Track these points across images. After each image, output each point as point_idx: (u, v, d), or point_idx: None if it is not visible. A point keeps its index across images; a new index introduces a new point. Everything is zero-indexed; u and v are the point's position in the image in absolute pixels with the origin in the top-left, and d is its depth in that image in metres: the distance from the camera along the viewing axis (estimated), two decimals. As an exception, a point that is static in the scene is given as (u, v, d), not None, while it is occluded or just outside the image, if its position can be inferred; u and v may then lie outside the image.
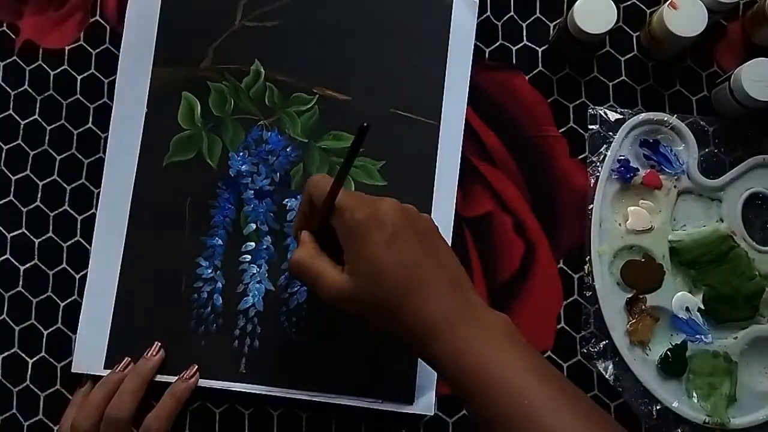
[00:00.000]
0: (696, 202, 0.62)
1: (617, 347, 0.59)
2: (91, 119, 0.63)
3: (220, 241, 0.61)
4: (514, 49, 0.64)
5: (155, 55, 0.62)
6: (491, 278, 0.61)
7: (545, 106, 0.63)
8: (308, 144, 0.62)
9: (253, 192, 0.61)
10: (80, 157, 0.63)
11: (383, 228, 0.46)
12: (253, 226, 0.61)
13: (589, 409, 0.44)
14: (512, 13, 0.65)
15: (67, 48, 0.64)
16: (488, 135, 0.63)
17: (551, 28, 0.64)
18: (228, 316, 0.60)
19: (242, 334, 0.60)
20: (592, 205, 0.61)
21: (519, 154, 0.63)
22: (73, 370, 0.59)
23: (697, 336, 0.60)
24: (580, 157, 0.63)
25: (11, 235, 0.62)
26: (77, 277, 0.61)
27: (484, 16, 0.64)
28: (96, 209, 0.61)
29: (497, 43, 0.64)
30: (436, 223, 0.50)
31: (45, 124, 0.63)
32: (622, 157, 0.62)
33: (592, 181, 0.62)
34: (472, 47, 0.63)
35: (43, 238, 0.62)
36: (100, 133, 0.63)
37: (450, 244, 0.60)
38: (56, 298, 0.61)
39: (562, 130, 0.63)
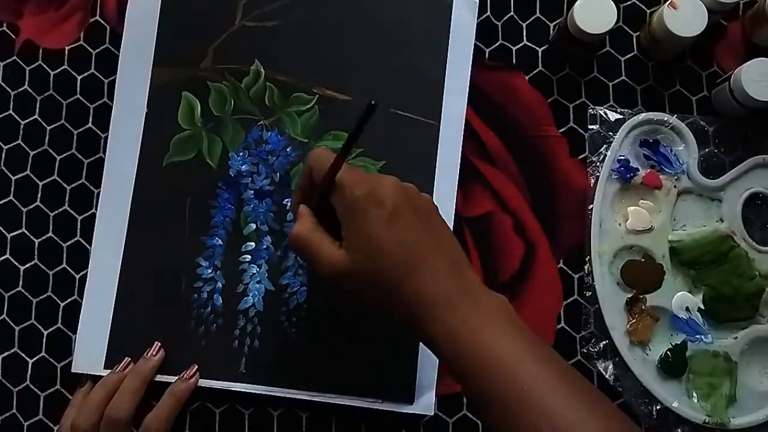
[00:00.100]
0: (696, 202, 0.62)
1: (617, 347, 0.59)
2: (91, 119, 0.63)
3: (220, 241, 0.61)
4: (514, 49, 0.64)
5: (155, 55, 0.62)
6: (491, 278, 0.61)
7: (545, 106, 0.63)
8: (308, 144, 0.62)
9: (253, 192, 0.61)
10: (80, 157, 0.63)
11: (383, 206, 0.46)
12: (253, 226, 0.61)
13: (589, 392, 0.44)
14: (512, 13, 0.65)
15: (67, 48, 0.64)
16: (488, 135, 0.63)
17: (551, 28, 0.64)
18: (228, 316, 0.60)
19: (242, 334, 0.60)
20: (592, 205, 0.61)
21: (519, 154, 0.63)
22: (73, 370, 0.59)
23: (697, 336, 0.60)
24: (580, 157, 0.63)
25: (11, 235, 0.62)
26: (77, 277, 0.61)
27: (484, 16, 0.64)
28: (96, 209, 0.61)
29: (497, 43, 0.64)
30: (435, 203, 0.50)
31: (45, 124, 0.63)
32: (622, 157, 0.62)
33: (592, 181, 0.62)
34: (472, 47, 0.63)
35: (43, 238, 0.62)
36: (100, 133, 0.63)
37: None
38: (56, 298, 0.61)
39: (562, 130, 0.63)
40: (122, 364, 0.58)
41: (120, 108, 0.62)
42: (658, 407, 0.59)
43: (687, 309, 0.60)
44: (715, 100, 0.63)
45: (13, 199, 0.62)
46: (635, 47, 0.64)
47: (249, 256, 0.60)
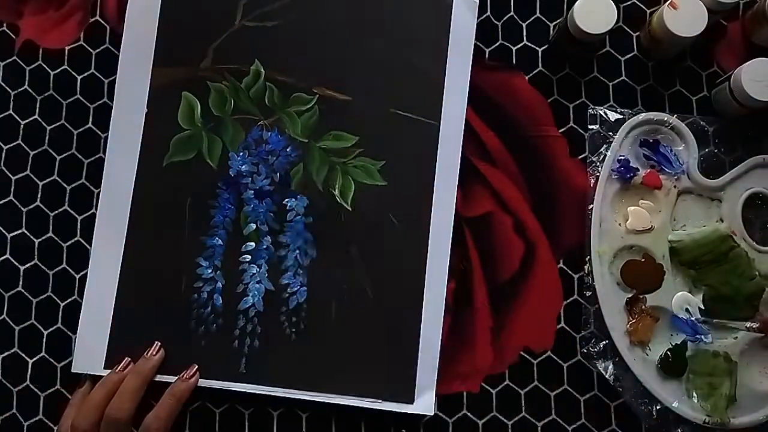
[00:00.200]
0: (696, 202, 0.62)
1: (617, 347, 0.59)
2: (91, 119, 0.63)
3: (220, 241, 0.61)
4: (514, 49, 0.64)
5: (155, 55, 0.62)
6: (491, 278, 0.61)
7: (545, 106, 0.63)
8: (308, 144, 0.62)
9: (253, 192, 0.61)
10: (80, 157, 0.63)
11: None
12: (253, 226, 0.61)
13: None
14: (512, 13, 0.65)
15: (67, 48, 0.64)
16: (488, 135, 0.63)
17: (551, 28, 0.64)
18: (228, 316, 0.60)
19: (242, 334, 0.60)
20: (592, 205, 0.61)
21: (519, 154, 0.63)
22: (73, 370, 0.59)
23: (697, 336, 0.60)
24: (580, 157, 0.63)
25: (11, 235, 0.62)
26: (77, 277, 0.61)
27: (484, 16, 0.64)
28: (96, 209, 0.61)
29: (497, 43, 0.64)
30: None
31: (45, 124, 0.63)
32: (622, 157, 0.62)
33: (592, 181, 0.62)
34: (472, 47, 0.63)
35: (43, 238, 0.62)
36: (100, 133, 0.63)
37: (450, 244, 0.60)
38: (56, 298, 0.61)
39: (562, 130, 0.63)
40: (122, 364, 0.58)
41: (120, 108, 0.62)
42: (658, 407, 0.59)
43: (687, 309, 0.60)
44: (715, 100, 0.63)
45: (13, 199, 0.62)
46: (635, 47, 0.64)
47: (249, 256, 0.60)
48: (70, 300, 0.61)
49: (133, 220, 0.61)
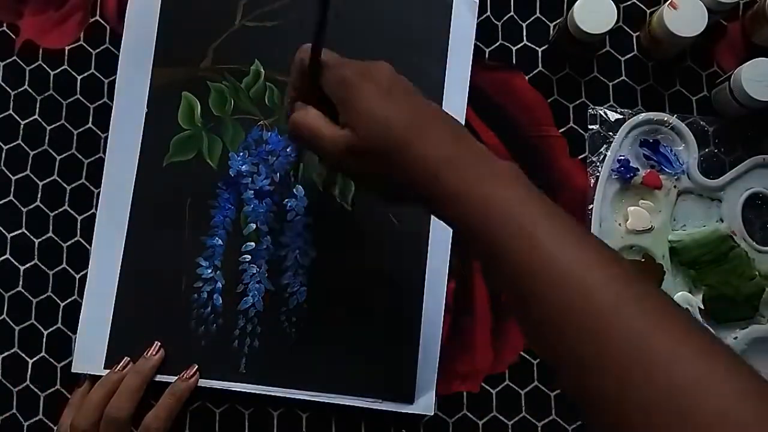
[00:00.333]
0: (696, 202, 0.62)
1: (617, 347, 0.59)
2: (91, 119, 0.63)
3: (220, 241, 0.61)
4: (514, 49, 0.64)
5: (155, 55, 0.62)
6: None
7: (545, 106, 0.63)
8: None
9: (253, 192, 0.61)
10: (80, 157, 0.63)
11: (376, 82, 0.46)
12: (253, 226, 0.61)
13: (604, 249, 0.41)
14: (512, 13, 0.65)
15: (67, 48, 0.64)
16: (488, 135, 0.63)
17: (551, 28, 0.64)
18: (228, 316, 0.60)
19: (242, 334, 0.60)
20: (592, 205, 0.61)
21: (519, 154, 0.63)
22: (73, 370, 0.59)
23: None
24: (580, 157, 0.63)
25: (11, 235, 0.62)
26: (77, 277, 0.61)
27: (484, 16, 0.64)
28: (96, 209, 0.61)
29: (497, 43, 0.64)
30: None
31: (45, 124, 0.63)
32: (622, 157, 0.62)
33: (592, 181, 0.62)
34: (472, 47, 0.63)
35: (43, 238, 0.62)
36: (100, 133, 0.63)
37: (450, 244, 0.60)
38: (56, 298, 0.61)
39: (562, 130, 0.63)
40: (122, 363, 0.58)
41: (120, 108, 0.62)
42: (658, 407, 0.59)
43: (687, 309, 0.60)
44: (715, 100, 0.63)
45: (13, 199, 0.62)
46: (635, 47, 0.64)
47: (249, 256, 0.60)
48: (70, 300, 0.61)
49: (133, 220, 0.61)
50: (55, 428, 0.59)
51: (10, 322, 0.61)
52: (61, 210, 0.62)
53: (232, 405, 0.60)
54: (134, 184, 0.61)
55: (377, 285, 0.60)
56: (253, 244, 0.61)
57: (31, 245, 0.62)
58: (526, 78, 0.64)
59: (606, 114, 0.63)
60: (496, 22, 0.64)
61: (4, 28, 0.64)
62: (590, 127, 0.63)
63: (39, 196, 0.62)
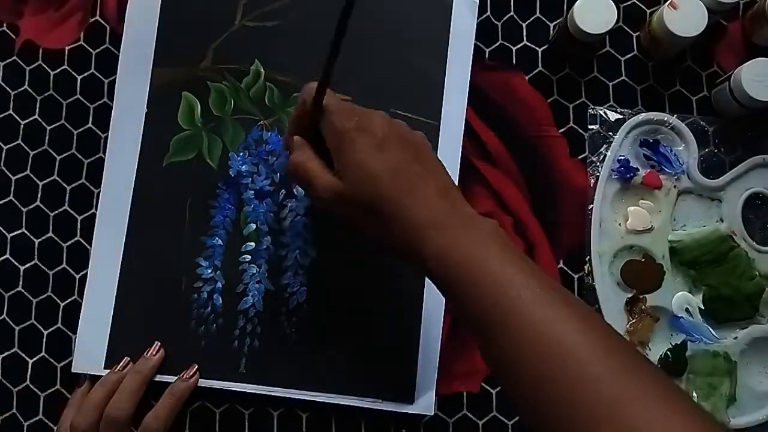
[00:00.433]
0: (696, 202, 0.62)
1: (617, 347, 0.59)
2: (91, 119, 0.63)
3: (220, 241, 0.61)
4: (514, 49, 0.64)
5: (155, 55, 0.62)
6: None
7: (545, 106, 0.63)
8: None
9: (253, 192, 0.61)
10: (80, 157, 0.63)
11: (372, 134, 0.47)
12: (253, 226, 0.61)
13: (581, 307, 0.43)
14: (512, 13, 0.65)
15: (67, 48, 0.64)
16: (488, 135, 0.63)
17: (551, 28, 0.64)
18: (228, 316, 0.60)
19: (242, 334, 0.60)
20: (592, 205, 0.61)
21: (519, 154, 0.63)
22: (74, 370, 0.59)
23: (697, 336, 0.60)
24: (580, 157, 0.63)
25: (11, 235, 0.62)
26: (77, 277, 0.61)
27: (484, 16, 0.64)
28: (96, 209, 0.61)
29: (497, 43, 0.64)
30: (427, 141, 0.50)
31: (45, 124, 0.63)
32: (622, 157, 0.62)
33: (592, 181, 0.62)
34: (472, 47, 0.63)
35: (43, 238, 0.62)
36: (100, 133, 0.63)
37: None
38: (56, 298, 0.61)
39: (562, 130, 0.63)
40: (122, 363, 0.58)
41: (120, 108, 0.62)
42: (658, 407, 0.59)
43: (687, 309, 0.60)
44: (715, 100, 0.63)
45: (13, 199, 0.62)
46: (635, 47, 0.64)
47: (249, 256, 0.60)
48: (70, 300, 0.61)
49: (133, 220, 0.61)
50: (55, 428, 0.59)
51: (10, 322, 0.61)
52: (61, 210, 0.62)
53: (232, 405, 0.60)
54: (134, 184, 0.61)
55: (377, 285, 0.60)
56: (253, 244, 0.61)
57: (31, 245, 0.62)
58: (526, 78, 0.64)
59: (606, 114, 0.63)
60: (496, 22, 0.64)
61: (4, 28, 0.64)
62: (590, 127, 0.63)
63: (39, 196, 0.62)
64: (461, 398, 0.60)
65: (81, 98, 0.63)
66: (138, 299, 0.60)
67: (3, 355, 0.61)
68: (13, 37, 0.64)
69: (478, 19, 0.64)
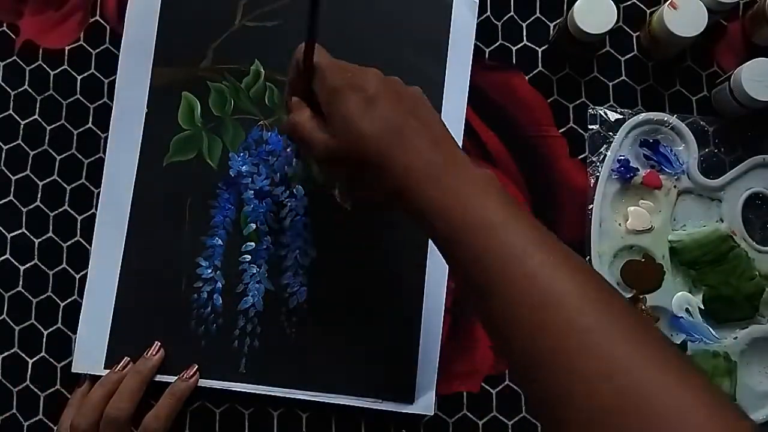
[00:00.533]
0: (696, 202, 0.62)
1: (617, 347, 0.59)
2: (91, 119, 0.63)
3: (220, 241, 0.61)
4: (514, 49, 0.64)
5: (155, 55, 0.62)
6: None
7: (545, 106, 0.63)
8: None
9: (253, 192, 0.61)
10: (80, 157, 0.63)
11: (362, 90, 0.47)
12: (253, 226, 0.61)
13: (576, 258, 0.42)
14: (512, 13, 0.65)
15: (67, 48, 0.64)
16: (488, 135, 0.63)
17: (551, 28, 0.64)
18: (228, 316, 0.60)
19: (242, 334, 0.60)
20: (592, 205, 0.61)
21: (519, 154, 0.63)
22: (74, 370, 0.59)
23: (697, 336, 0.60)
24: (580, 157, 0.63)
25: (11, 235, 0.62)
26: (77, 277, 0.61)
27: (484, 16, 0.64)
28: (96, 209, 0.61)
29: (497, 43, 0.64)
30: (423, 95, 0.50)
31: (45, 124, 0.63)
32: (622, 157, 0.62)
33: (592, 181, 0.62)
34: (472, 47, 0.63)
35: (43, 238, 0.62)
36: (100, 133, 0.63)
37: None
38: (56, 298, 0.61)
39: (562, 130, 0.63)
40: (121, 363, 0.58)
41: (120, 108, 0.62)
42: (658, 407, 0.59)
43: (687, 309, 0.60)
44: (715, 100, 0.63)
45: (13, 199, 0.62)
46: (635, 47, 0.64)
47: (249, 256, 0.60)
48: (70, 300, 0.61)
49: (133, 220, 0.61)
50: (55, 428, 0.59)
51: (10, 322, 0.61)
52: (61, 210, 0.62)
53: (232, 405, 0.60)
54: (134, 184, 0.61)
55: (377, 285, 0.60)
56: (253, 244, 0.61)
57: (31, 245, 0.62)
58: (526, 78, 0.64)
59: (606, 114, 0.63)
60: (496, 22, 0.64)
61: (4, 28, 0.64)
62: (590, 127, 0.63)
63: (39, 196, 0.62)
64: (461, 398, 0.60)
65: (81, 98, 0.63)
66: (138, 299, 0.60)
67: (3, 355, 0.61)
68: (13, 37, 0.64)
69: (478, 19, 0.64)
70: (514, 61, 0.64)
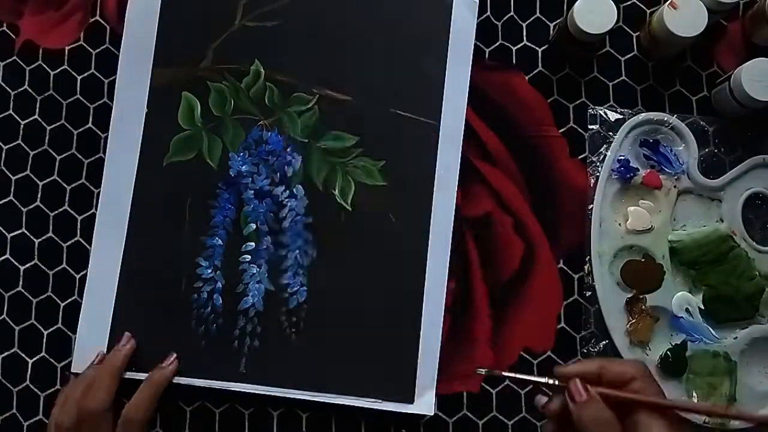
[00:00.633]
0: (696, 202, 0.62)
1: (617, 347, 0.59)
2: (91, 119, 0.63)
3: (220, 241, 0.61)
4: (514, 49, 0.64)
5: (155, 55, 0.62)
6: (491, 278, 0.61)
7: (545, 106, 0.63)
8: (308, 144, 0.62)
9: (253, 192, 0.61)
10: (80, 157, 0.63)
11: None
12: (253, 226, 0.61)
13: None
14: (512, 13, 0.65)
15: (67, 48, 0.64)
16: (488, 135, 0.63)
17: (551, 28, 0.64)
18: (228, 316, 0.60)
19: (242, 334, 0.60)
20: (592, 205, 0.61)
21: (519, 154, 0.63)
22: (73, 370, 0.59)
23: (697, 336, 0.60)
24: (580, 157, 0.63)
25: (11, 235, 0.62)
26: (77, 277, 0.61)
27: (484, 16, 0.64)
28: (96, 209, 0.61)
29: (497, 43, 0.64)
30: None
31: (45, 124, 0.63)
32: (622, 157, 0.62)
33: (592, 181, 0.62)
34: (472, 47, 0.63)
35: (43, 238, 0.62)
36: (100, 133, 0.63)
37: (450, 243, 0.61)
38: (56, 298, 0.61)
39: (562, 130, 0.63)
40: (97, 357, 0.58)
41: (120, 108, 0.62)
42: (658, 407, 0.59)
43: (687, 309, 0.60)
44: (715, 100, 0.63)
45: (13, 199, 0.62)
46: (635, 47, 0.64)
47: (249, 256, 0.60)
48: (70, 300, 0.61)
49: (133, 220, 0.61)
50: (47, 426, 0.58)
51: (10, 322, 0.61)
52: (61, 210, 0.62)
53: (232, 405, 0.60)
54: (134, 184, 0.61)
55: (377, 285, 0.60)
56: (253, 244, 0.61)
57: (31, 245, 0.62)
58: (526, 78, 0.64)
59: (606, 114, 0.63)
60: (496, 22, 0.64)
61: (4, 28, 0.64)
62: (590, 127, 0.63)
63: (39, 196, 0.62)
64: (461, 398, 0.60)
65: (81, 98, 0.63)
66: (138, 299, 0.60)
67: (3, 355, 0.61)
68: (13, 37, 0.64)
69: (478, 19, 0.64)
70: (514, 61, 0.64)
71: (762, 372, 0.60)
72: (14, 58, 0.64)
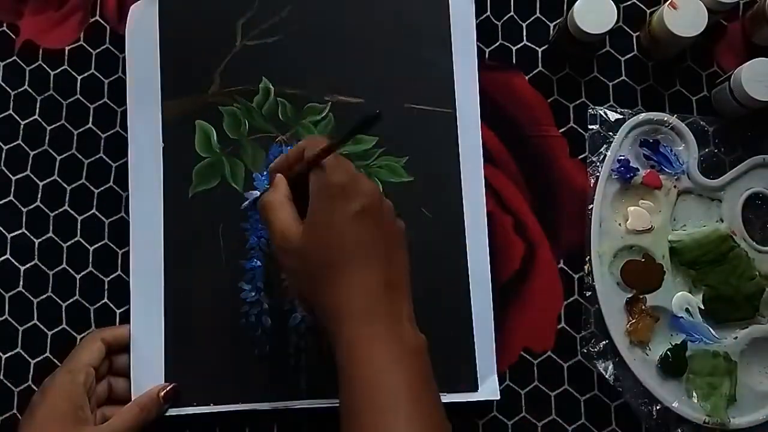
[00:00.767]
0: (696, 202, 0.62)
1: (617, 347, 0.59)
2: (91, 119, 0.63)
3: (258, 263, 0.59)
4: (514, 49, 0.64)
5: (162, 88, 0.61)
6: (491, 278, 0.61)
7: (545, 106, 0.63)
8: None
9: None
10: (80, 157, 0.63)
11: (355, 200, 0.46)
12: None
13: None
14: (512, 13, 0.65)
15: (67, 48, 0.64)
16: (488, 135, 0.63)
17: (551, 28, 0.64)
18: (280, 335, 0.59)
19: (297, 350, 0.59)
20: (592, 205, 0.61)
21: (519, 154, 0.63)
22: None
23: (697, 336, 0.60)
24: (580, 157, 0.63)
25: (11, 235, 0.62)
26: (77, 277, 0.61)
27: (484, 16, 0.64)
28: (96, 209, 0.61)
29: (497, 43, 0.64)
30: (407, 236, 0.50)
31: (45, 124, 0.63)
32: (622, 157, 0.62)
33: (592, 181, 0.62)
34: (475, 33, 0.62)
35: (43, 238, 0.62)
36: (100, 133, 0.63)
37: (485, 224, 0.60)
38: (57, 299, 0.61)
39: (562, 130, 0.63)
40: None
41: (137, 146, 0.60)
42: (658, 407, 0.59)
43: (687, 309, 0.60)
44: (715, 100, 0.63)
45: (13, 199, 0.62)
46: (635, 47, 0.64)
47: None
48: (71, 300, 0.61)
49: (168, 256, 0.59)
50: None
51: (13, 323, 0.61)
52: (61, 210, 0.62)
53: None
54: (164, 220, 0.59)
55: (421, 282, 0.55)
56: None
57: (31, 245, 0.62)
58: (526, 78, 0.64)
59: (606, 114, 0.63)
60: (496, 22, 0.64)
61: (4, 28, 0.64)
62: (590, 127, 0.63)
63: (39, 196, 0.62)
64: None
65: (81, 98, 0.63)
66: (187, 334, 0.58)
67: (6, 356, 0.61)
68: (13, 37, 0.64)
69: (478, 19, 0.64)
70: (514, 61, 0.64)
71: (762, 372, 0.60)
72: (14, 58, 0.64)
